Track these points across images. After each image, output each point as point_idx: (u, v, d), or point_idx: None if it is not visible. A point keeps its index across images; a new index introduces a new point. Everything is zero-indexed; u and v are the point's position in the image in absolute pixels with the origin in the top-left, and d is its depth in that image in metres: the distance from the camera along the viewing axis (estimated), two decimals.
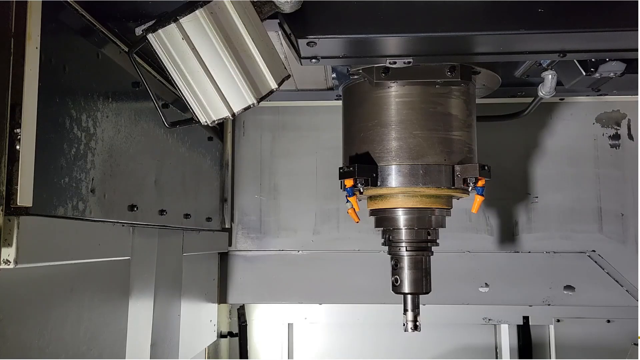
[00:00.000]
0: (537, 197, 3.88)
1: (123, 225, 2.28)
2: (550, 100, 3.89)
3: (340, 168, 2.73)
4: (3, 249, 1.48)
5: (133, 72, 2.35)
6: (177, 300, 3.05)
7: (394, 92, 2.71)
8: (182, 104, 2.93)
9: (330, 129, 3.86)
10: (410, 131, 2.66)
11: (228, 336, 4.27)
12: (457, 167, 2.66)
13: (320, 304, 4.20)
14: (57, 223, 1.76)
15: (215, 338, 3.92)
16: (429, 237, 2.82)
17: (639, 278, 3.69)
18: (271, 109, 4.06)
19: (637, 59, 2.67)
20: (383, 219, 2.87)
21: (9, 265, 1.49)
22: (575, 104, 3.91)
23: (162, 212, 2.66)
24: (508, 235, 3.89)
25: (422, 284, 2.81)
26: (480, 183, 2.64)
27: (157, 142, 2.66)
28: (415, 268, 2.79)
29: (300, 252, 3.97)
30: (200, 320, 3.58)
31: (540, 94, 3.06)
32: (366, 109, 2.79)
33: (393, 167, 2.66)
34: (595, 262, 3.81)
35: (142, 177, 2.47)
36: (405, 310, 2.81)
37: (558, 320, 4.04)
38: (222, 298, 3.97)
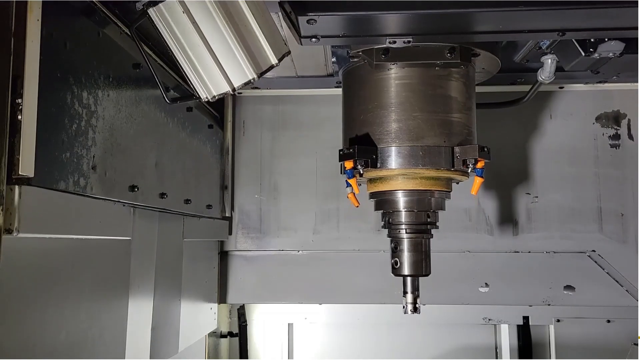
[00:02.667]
0: (537, 196, 3.88)
1: (124, 205, 2.29)
2: (550, 89, 3.93)
3: (340, 150, 2.73)
4: (5, 218, 1.50)
5: (134, 54, 2.38)
6: (177, 285, 3.06)
7: (394, 75, 2.72)
8: (182, 89, 2.97)
9: (330, 127, 3.86)
10: (410, 113, 2.67)
11: (228, 336, 4.27)
12: (457, 149, 2.66)
13: (320, 304, 4.21)
14: (59, 196, 1.78)
15: (215, 326, 3.91)
16: (428, 220, 2.83)
17: (639, 278, 3.71)
18: (272, 99, 4.07)
19: (636, 39, 2.67)
20: (383, 202, 2.87)
21: (11, 234, 1.50)
22: (575, 103, 3.92)
23: (162, 195, 2.66)
24: (508, 235, 3.89)
25: (422, 266, 2.83)
26: (480, 165, 2.65)
27: (158, 125, 2.68)
28: (415, 250, 2.81)
29: (300, 252, 3.97)
30: (201, 307, 3.58)
31: (539, 78, 3.08)
32: (366, 92, 2.79)
33: (393, 148, 2.66)
34: (595, 262, 3.81)
35: (143, 159, 2.47)
36: (405, 292, 2.83)
37: (558, 320, 4.04)
38: (222, 298, 3.97)
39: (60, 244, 1.87)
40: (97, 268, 2.13)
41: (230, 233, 4.02)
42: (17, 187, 1.53)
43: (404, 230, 2.81)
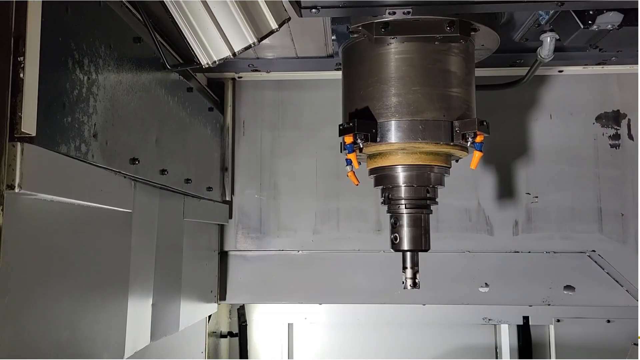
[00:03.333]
0: (537, 197, 3.89)
1: (125, 177, 2.31)
2: (549, 73, 3.94)
3: (339, 125, 2.74)
4: (7, 174, 1.52)
5: (135, 27, 2.41)
6: (178, 264, 3.06)
7: (394, 49, 2.73)
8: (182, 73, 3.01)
9: (331, 126, 3.86)
10: (410, 87, 2.68)
11: (228, 336, 4.28)
12: (456, 123, 2.67)
13: (321, 304, 4.22)
14: (61, 159, 1.80)
15: (216, 309, 3.91)
16: (428, 195, 2.84)
17: (639, 278, 3.72)
18: (272, 84, 4.06)
19: (635, 10, 2.67)
20: (382, 177, 2.89)
21: (13, 189, 1.52)
22: (575, 103, 3.93)
23: (163, 171, 2.67)
24: (508, 235, 3.89)
25: (422, 241, 2.84)
26: (479, 139, 2.64)
27: (158, 102, 2.69)
28: (414, 225, 2.82)
29: (300, 252, 3.97)
30: (201, 288, 3.58)
31: (539, 57, 3.11)
32: (366, 67, 2.81)
33: (392, 122, 2.68)
34: (595, 262, 3.81)
35: (144, 133, 2.49)
36: (405, 267, 2.84)
37: (558, 320, 4.06)
38: (222, 298, 3.97)
39: (63, 209, 1.89)
40: (98, 237, 2.16)
41: (230, 217, 4.02)
42: (19, 144, 1.54)
43: (404, 205, 2.82)
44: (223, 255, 4.00)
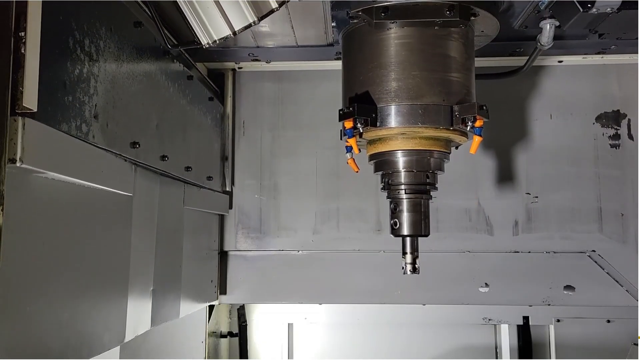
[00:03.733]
0: (537, 197, 3.89)
1: (125, 160, 2.33)
2: (549, 63, 3.95)
3: (339, 110, 2.76)
4: (9, 148, 1.53)
5: (135, 12, 2.43)
6: (178, 251, 3.08)
7: (393, 34, 2.76)
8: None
9: (331, 125, 3.86)
10: (409, 72, 2.71)
11: (228, 336, 4.28)
12: (456, 107, 2.69)
13: (321, 304, 4.22)
14: (62, 137, 1.81)
15: (216, 300, 3.92)
16: (427, 180, 2.87)
17: (639, 278, 3.72)
18: (272, 75, 4.07)
19: None
20: (382, 163, 2.91)
21: (14, 164, 1.53)
22: (575, 102, 3.93)
23: (163, 157, 2.69)
24: (508, 235, 3.90)
25: (421, 226, 2.86)
26: (479, 123, 2.66)
27: (159, 88, 2.70)
28: (414, 211, 2.85)
29: (300, 252, 3.98)
30: (202, 278, 3.60)
31: (538, 44, 3.12)
32: (366, 52, 2.83)
33: (392, 107, 2.70)
34: (595, 262, 3.81)
35: (144, 118, 2.50)
36: (405, 253, 2.86)
37: (558, 320, 4.06)
38: (222, 298, 3.98)
39: (64, 188, 1.91)
40: (99, 219, 2.17)
41: (230, 207, 4.03)
42: (20, 118, 1.56)
43: (404, 190, 2.85)
44: (223, 255, 4.01)
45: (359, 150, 2.84)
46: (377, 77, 2.76)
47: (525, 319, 4.12)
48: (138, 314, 2.52)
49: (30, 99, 1.59)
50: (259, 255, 4.01)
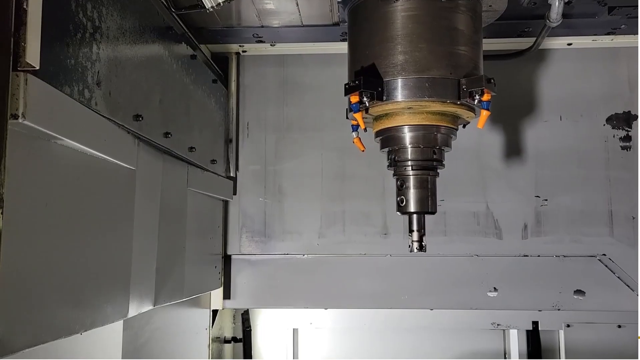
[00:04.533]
0: (546, 199, 3.87)
1: (128, 133, 2.34)
2: (557, 47, 3.93)
3: (345, 84, 2.72)
4: (11, 104, 1.52)
5: None
6: (182, 232, 3.09)
7: (400, 7, 2.74)
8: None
9: (337, 125, 3.85)
10: (416, 45, 2.69)
11: (232, 342, 4.26)
12: (463, 80, 2.67)
13: (326, 308, 4.20)
14: (64, 99, 1.81)
15: (220, 287, 3.90)
16: (434, 157, 2.85)
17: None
18: (276, 59, 4.06)
19: None
20: (389, 139, 2.89)
21: (17, 119, 1.52)
22: (586, 103, 3.91)
23: (167, 134, 2.70)
24: (517, 238, 3.88)
25: (428, 203, 2.85)
26: (486, 97, 2.63)
27: (162, 62, 2.72)
28: (421, 187, 2.83)
29: (306, 255, 3.96)
30: (205, 261, 3.60)
31: (547, 21, 3.12)
32: (372, 25, 2.82)
33: (399, 80, 2.68)
34: (606, 265, 3.79)
35: (147, 91, 2.52)
36: (411, 230, 2.85)
37: (568, 326, 4.03)
38: (225, 303, 3.95)
39: (66, 153, 1.91)
40: (102, 189, 2.18)
41: (234, 193, 4.01)
42: (22, 74, 1.55)
43: (410, 167, 2.84)
44: (227, 259, 3.98)
45: (365, 127, 2.83)
46: (383, 51, 2.74)
47: (535, 324, 4.09)
48: (141, 290, 2.52)
49: (33, 56, 1.59)
50: (263, 259, 3.99)
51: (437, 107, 2.72)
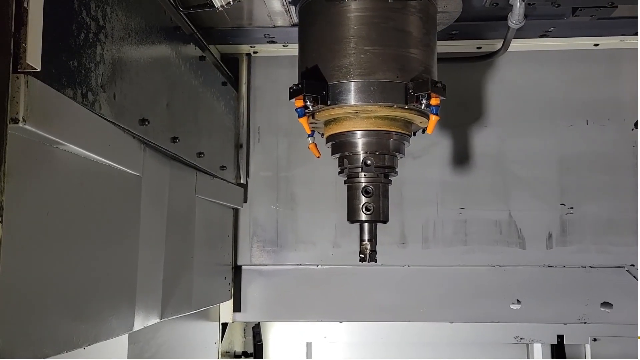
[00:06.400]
0: (572, 207, 3.85)
1: (134, 137, 2.33)
2: (583, 46, 3.89)
3: (290, 88, 2.72)
4: (11, 107, 1.50)
5: None
6: (190, 241, 3.07)
7: (346, 8, 2.73)
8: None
9: None
10: (362, 47, 2.68)
11: (243, 356, 4.25)
12: (410, 84, 2.65)
13: (341, 322, 4.16)
14: (67, 102, 1.80)
15: (229, 299, 3.88)
16: (386, 164, 2.83)
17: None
18: (287, 60, 4.01)
19: None
20: (339, 144, 2.89)
21: (17, 124, 1.51)
22: (613, 106, 3.88)
23: (174, 139, 2.70)
24: (541, 248, 3.85)
25: (380, 211, 2.84)
26: (434, 101, 2.61)
27: (169, 64, 2.72)
28: (372, 195, 2.81)
29: (320, 266, 3.94)
30: (215, 272, 3.59)
31: (509, 23, 3.11)
32: (318, 26, 2.82)
33: (344, 83, 2.67)
34: (634, 277, 3.76)
35: (154, 94, 2.51)
36: (362, 240, 2.87)
37: (595, 339, 3.98)
38: (235, 316, 3.95)
39: (69, 160, 1.90)
40: (106, 197, 2.17)
41: (245, 201, 4.00)
42: (23, 76, 1.54)
43: (361, 174, 2.82)
44: (237, 270, 3.97)
45: (311, 131, 2.85)
46: (328, 53, 2.74)
47: (560, 337, 4.04)
48: (147, 302, 2.51)
49: (34, 57, 1.57)
50: (275, 270, 3.98)
51: (385, 111, 2.71)
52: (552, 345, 4.10)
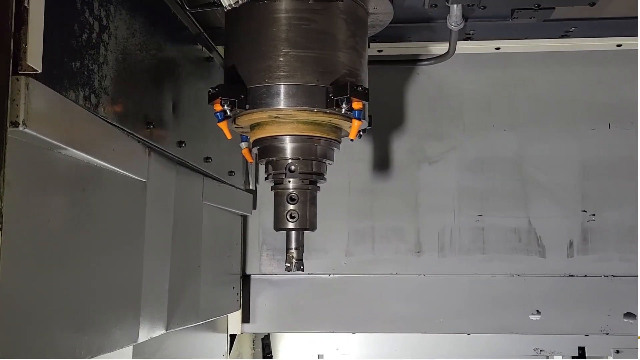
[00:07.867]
0: (593, 214, 3.83)
1: (138, 142, 2.33)
2: (606, 47, 3.86)
3: (208, 91, 2.69)
4: (11, 110, 1.49)
5: None
6: (197, 249, 3.07)
7: (265, 9, 2.69)
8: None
9: (364, 136, 3.83)
10: (280, 49, 2.64)
11: None
12: (330, 88, 2.61)
13: (354, 333, 4.16)
14: (69, 105, 1.80)
15: (238, 309, 3.87)
16: (313, 170, 2.80)
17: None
18: None
19: None
20: (264, 150, 2.84)
21: (17, 127, 1.50)
22: (637, 109, 3.80)
23: (180, 143, 2.70)
24: (562, 257, 3.84)
25: (307, 219, 2.80)
26: (357, 105, 2.57)
27: (175, 66, 2.74)
28: (299, 202, 2.78)
29: (332, 275, 3.93)
30: (223, 281, 3.59)
31: (449, 25, 3.13)
32: (239, 28, 2.78)
33: (262, 87, 2.62)
34: None
35: (159, 97, 2.52)
36: (289, 248, 2.82)
37: (617, 352, 3.96)
38: (244, 327, 3.94)
39: (72, 165, 1.89)
40: (109, 203, 2.17)
41: (254, 207, 3.98)
42: (23, 77, 1.53)
43: (288, 181, 2.78)
44: (246, 280, 3.96)
45: (231, 135, 2.79)
46: (248, 55, 2.70)
47: (581, 349, 4.03)
48: (152, 313, 2.50)
49: (35, 58, 1.57)
50: (285, 279, 3.97)
51: (307, 116, 2.66)
52: (573, 358, 4.09)
